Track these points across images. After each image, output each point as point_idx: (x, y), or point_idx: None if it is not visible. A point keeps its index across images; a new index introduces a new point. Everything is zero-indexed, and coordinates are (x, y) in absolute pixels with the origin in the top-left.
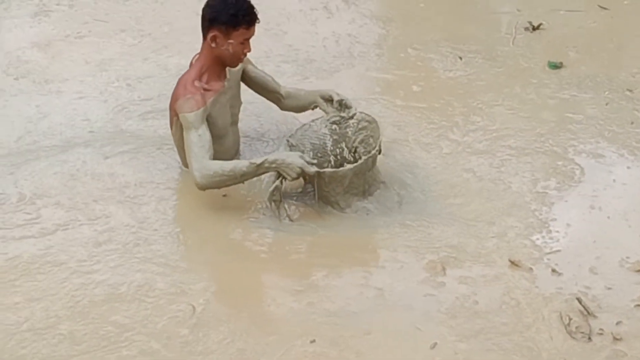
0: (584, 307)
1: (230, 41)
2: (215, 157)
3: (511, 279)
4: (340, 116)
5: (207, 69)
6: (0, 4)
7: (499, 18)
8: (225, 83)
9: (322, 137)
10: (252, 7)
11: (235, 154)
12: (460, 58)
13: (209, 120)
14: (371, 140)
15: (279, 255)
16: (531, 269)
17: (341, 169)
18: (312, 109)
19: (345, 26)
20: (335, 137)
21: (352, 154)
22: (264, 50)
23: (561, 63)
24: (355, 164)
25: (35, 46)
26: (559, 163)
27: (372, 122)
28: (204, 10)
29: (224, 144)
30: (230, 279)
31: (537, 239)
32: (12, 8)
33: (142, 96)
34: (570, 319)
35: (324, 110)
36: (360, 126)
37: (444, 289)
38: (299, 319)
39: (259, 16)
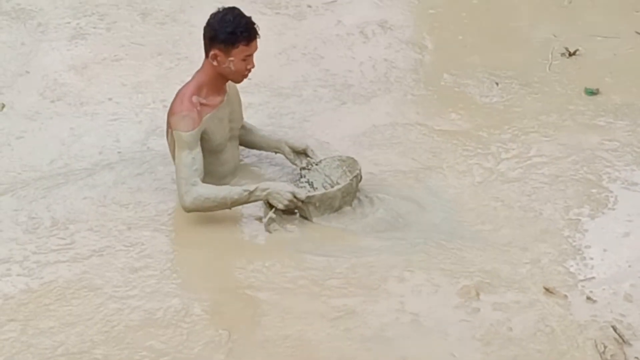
0: (619, 334)
1: (231, 59)
2: (212, 172)
3: (545, 305)
4: (308, 162)
5: (206, 84)
6: (37, 28)
7: (535, 44)
8: (225, 98)
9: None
10: (251, 23)
11: (233, 169)
12: (497, 84)
13: (205, 137)
14: (349, 173)
15: (317, 280)
16: (566, 296)
17: (330, 190)
18: (275, 153)
19: (381, 51)
20: (316, 178)
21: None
22: (302, 75)
23: (597, 89)
24: (342, 185)
25: (72, 69)
26: (593, 190)
27: (346, 159)
28: (204, 29)
29: (221, 158)
30: (268, 304)
31: (571, 265)
32: (50, 31)
33: None
34: (605, 347)
35: (288, 159)
36: (334, 165)
37: (479, 315)
38: (335, 345)
39: (259, 32)
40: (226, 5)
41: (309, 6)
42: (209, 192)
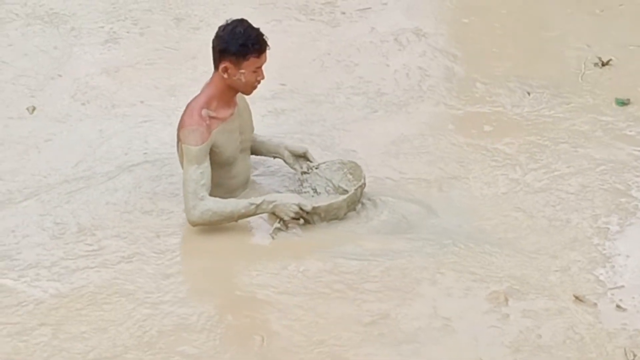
0: None
1: (242, 71)
2: (223, 185)
3: (575, 313)
4: (308, 166)
5: (216, 97)
6: (70, 32)
7: (568, 53)
8: (235, 110)
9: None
10: (261, 35)
11: (244, 182)
12: (529, 93)
13: (215, 150)
14: (350, 176)
15: (353, 284)
16: (595, 304)
17: (335, 201)
18: (273, 158)
19: (415, 59)
20: (318, 182)
21: (341, 191)
22: (335, 82)
23: (629, 100)
24: (348, 194)
25: (104, 72)
26: (622, 200)
27: (347, 163)
28: (213, 41)
29: (232, 170)
30: (302, 309)
31: (601, 273)
32: (83, 35)
33: None
34: (634, 355)
35: (288, 163)
36: (334, 168)
37: (508, 321)
38: (367, 351)
39: (269, 43)
40: (247, 15)
41: (343, 13)
42: (216, 207)
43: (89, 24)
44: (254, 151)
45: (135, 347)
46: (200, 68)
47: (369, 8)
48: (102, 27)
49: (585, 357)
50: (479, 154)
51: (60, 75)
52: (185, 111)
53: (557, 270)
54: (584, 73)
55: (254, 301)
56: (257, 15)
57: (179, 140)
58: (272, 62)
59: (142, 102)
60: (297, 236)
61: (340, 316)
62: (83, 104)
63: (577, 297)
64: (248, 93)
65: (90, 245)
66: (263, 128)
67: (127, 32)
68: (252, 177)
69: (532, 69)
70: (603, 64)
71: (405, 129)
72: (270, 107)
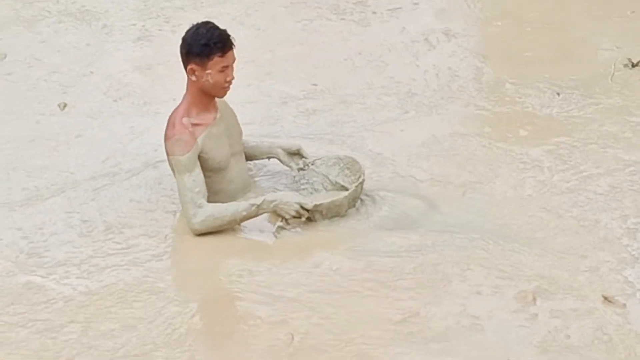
0: None
1: (208, 71)
2: (220, 190)
3: (604, 314)
4: (304, 162)
5: (194, 103)
6: (102, 29)
7: (598, 55)
8: (217, 114)
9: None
10: (224, 35)
11: (242, 186)
12: (558, 94)
13: (204, 157)
14: (347, 171)
15: (386, 282)
16: (624, 304)
17: (336, 198)
18: (268, 159)
19: (445, 60)
20: (314, 178)
21: (338, 187)
22: (366, 82)
23: None
24: (349, 191)
25: (136, 70)
26: None
27: (344, 158)
28: (180, 45)
29: (227, 175)
30: (334, 307)
31: (630, 274)
32: (115, 33)
33: (243, 120)
34: None
35: (283, 162)
36: (330, 163)
37: (537, 321)
38: (397, 350)
39: (234, 42)
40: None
41: (374, 12)
42: (217, 212)
43: (121, 21)
44: (248, 156)
45: (164, 345)
46: None
47: (400, 8)
48: (134, 24)
49: (613, 358)
50: (507, 155)
51: (92, 72)
52: (167, 123)
53: (586, 271)
54: (613, 74)
55: (284, 300)
56: (287, 14)
57: (167, 154)
58: (304, 61)
59: (174, 99)
60: (324, 232)
61: (370, 314)
62: (115, 101)
63: (606, 298)
64: (220, 95)
65: (119, 243)
66: (294, 129)
67: (159, 30)
68: (252, 180)
69: (562, 70)
70: (633, 65)
71: (435, 130)
72: (302, 107)
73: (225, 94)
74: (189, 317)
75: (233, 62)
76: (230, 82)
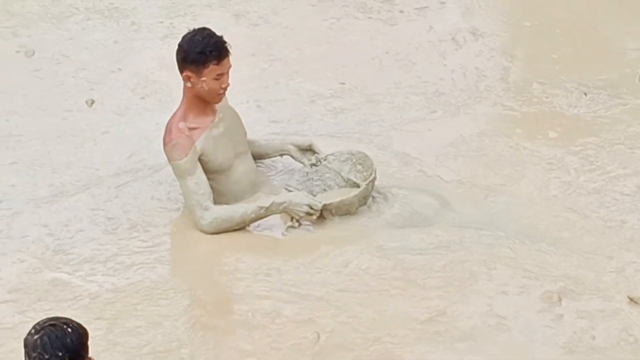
0: None
1: (204, 79)
2: (226, 192)
3: (630, 315)
4: (316, 158)
5: (191, 108)
6: (130, 26)
7: (626, 54)
8: (216, 116)
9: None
10: (221, 42)
11: (250, 186)
12: (585, 94)
13: (205, 159)
14: (359, 167)
15: (415, 280)
16: None
17: (346, 197)
18: (281, 156)
19: (472, 59)
20: (327, 175)
21: (351, 184)
22: (394, 81)
23: None
24: (359, 190)
25: (164, 67)
26: None
27: (356, 153)
28: (176, 51)
29: (232, 176)
30: (361, 306)
31: None
32: (142, 30)
33: (272, 118)
34: None
35: (295, 158)
36: (342, 159)
37: (562, 322)
38: (423, 349)
39: (230, 50)
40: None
41: (401, 11)
42: (225, 214)
43: (149, 18)
44: (260, 155)
45: (189, 343)
46: (259, 65)
47: (427, 7)
48: (162, 22)
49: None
50: (534, 156)
51: (120, 69)
52: (165, 130)
53: (612, 272)
54: None
55: (311, 298)
56: (315, 13)
57: (168, 160)
58: (331, 60)
59: None
60: (353, 231)
61: (397, 313)
62: (142, 98)
63: (631, 299)
64: (215, 101)
65: (145, 241)
66: (321, 127)
67: (187, 28)
68: (265, 177)
69: (589, 70)
70: None
71: (463, 130)
72: (330, 106)
73: (220, 100)
74: (215, 315)
75: (228, 69)
76: (225, 89)
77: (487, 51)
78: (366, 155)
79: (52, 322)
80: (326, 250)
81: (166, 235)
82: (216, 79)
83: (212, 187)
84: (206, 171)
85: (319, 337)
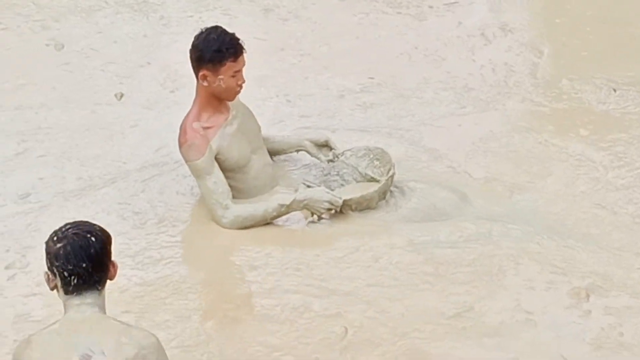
0: None
1: (221, 77)
2: (245, 189)
3: None
4: (333, 154)
5: (205, 107)
6: (159, 20)
7: None
8: (230, 114)
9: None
10: (235, 39)
11: (268, 180)
12: (614, 90)
13: (221, 158)
14: (377, 162)
15: (444, 275)
16: None
17: (366, 192)
18: (297, 152)
19: (501, 54)
20: (344, 170)
21: (368, 179)
22: (424, 77)
23: None
24: (379, 185)
25: None
26: None
27: (373, 149)
28: (190, 51)
29: (250, 172)
30: (390, 301)
31: None
32: (172, 24)
33: (301, 112)
34: None
35: (312, 154)
36: (359, 154)
37: (590, 318)
38: (450, 345)
39: (245, 47)
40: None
41: (430, 7)
42: (245, 213)
43: (178, 12)
44: (276, 151)
45: (218, 337)
46: (288, 60)
47: (456, 2)
48: (191, 16)
49: None
50: (563, 153)
51: (149, 63)
52: (179, 130)
53: None
54: None
55: (340, 293)
56: (344, 7)
57: (184, 160)
58: (361, 54)
59: None
60: (385, 226)
61: (425, 308)
62: (172, 92)
63: None
64: (230, 99)
65: (173, 236)
66: (351, 122)
67: (216, 22)
68: (283, 171)
69: (619, 66)
70: None
71: (492, 126)
72: (359, 100)
73: (235, 97)
74: (243, 309)
75: (243, 66)
76: (241, 86)
77: (516, 47)
78: (384, 151)
79: (75, 231)
80: (356, 245)
81: (194, 230)
82: (233, 77)
83: (231, 186)
84: (224, 170)
85: (346, 331)
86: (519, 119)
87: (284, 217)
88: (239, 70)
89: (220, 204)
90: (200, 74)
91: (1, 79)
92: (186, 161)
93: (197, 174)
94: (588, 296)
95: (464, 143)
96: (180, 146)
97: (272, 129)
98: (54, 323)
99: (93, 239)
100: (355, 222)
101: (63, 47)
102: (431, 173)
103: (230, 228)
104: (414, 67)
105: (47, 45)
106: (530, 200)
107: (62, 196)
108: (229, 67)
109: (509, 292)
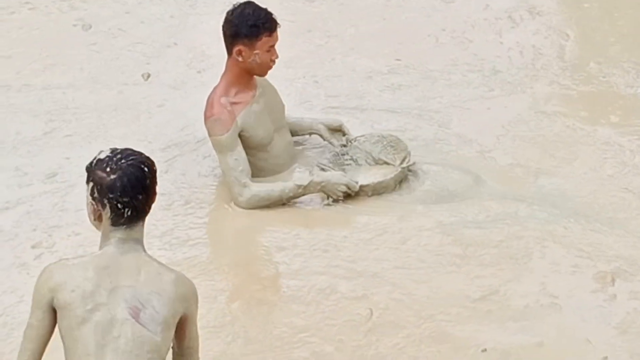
0: None
1: (256, 52)
2: (266, 168)
3: None
4: (347, 139)
5: (234, 83)
6: (186, 1)
7: None
8: (257, 91)
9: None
10: (270, 14)
11: (289, 159)
12: None
13: (245, 135)
14: (390, 149)
15: (471, 256)
16: None
17: (383, 179)
18: (309, 136)
19: (529, 37)
20: (358, 155)
21: (381, 163)
22: (451, 59)
23: None
24: (395, 173)
25: (220, 42)
26: None
27: (387, 136)
28: (223, 27)
29: (273, 150)
30: (417, 283)
31: None
32: (199, 5)
33: (329, 93)
34: None
35: (325, 138)
36: (373, 140)
37: (615, 302)
38: (474, 328)
39: (279, 22)
40: None
41: None
42: (263, 192)
43: None
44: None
45: (243, 317)
46: (315, 41)
47: None
48: None
49: None
50: (590, 137)
51: (175, 44)
52: (206, 104)
53: None
54: None
55: (367, 275)
56: None
57: (208, 134)
58: (387, 36)
59: None
60: (414, 207)
61: (451, 291)
62: (199, 72)
63: None
64: (264, 74)
65: (200, 217)
66: (380, 103)
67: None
68: (298, 150)
69: None
70: None
71: (520, 109)
72: (387, 82)
73: (267, 73)
74: (270, 290)
75: (277, 41)
76: (274, 61)
77: (543, 29)
78: (398, 139)
79: (129, 161)
80: (385, 226)
81: (221, 212)
82: (268, 51)
83: (252, 164)
84: (247, 147)
85: (372, 313)
86: (547, 102)
87: (299, 199)
88: (273, 45)
89: (239, 182)
90: (236, 49)
91: (29, 59)
92: (210, 135)
93: (219, 149)
94: (613, 280)
95: (492, 127)
96: (205, 119)
97: (300, 109)
98: (84, 256)
99: (146, 169)
100: (373, 204)
101: (90, 27)
102: (459, 157)
103: (246, 207)
104: (441, 49)
105: (75, 25)
106: (557, 184)
107: None
108: (265, 41)
109: (535, 276)
